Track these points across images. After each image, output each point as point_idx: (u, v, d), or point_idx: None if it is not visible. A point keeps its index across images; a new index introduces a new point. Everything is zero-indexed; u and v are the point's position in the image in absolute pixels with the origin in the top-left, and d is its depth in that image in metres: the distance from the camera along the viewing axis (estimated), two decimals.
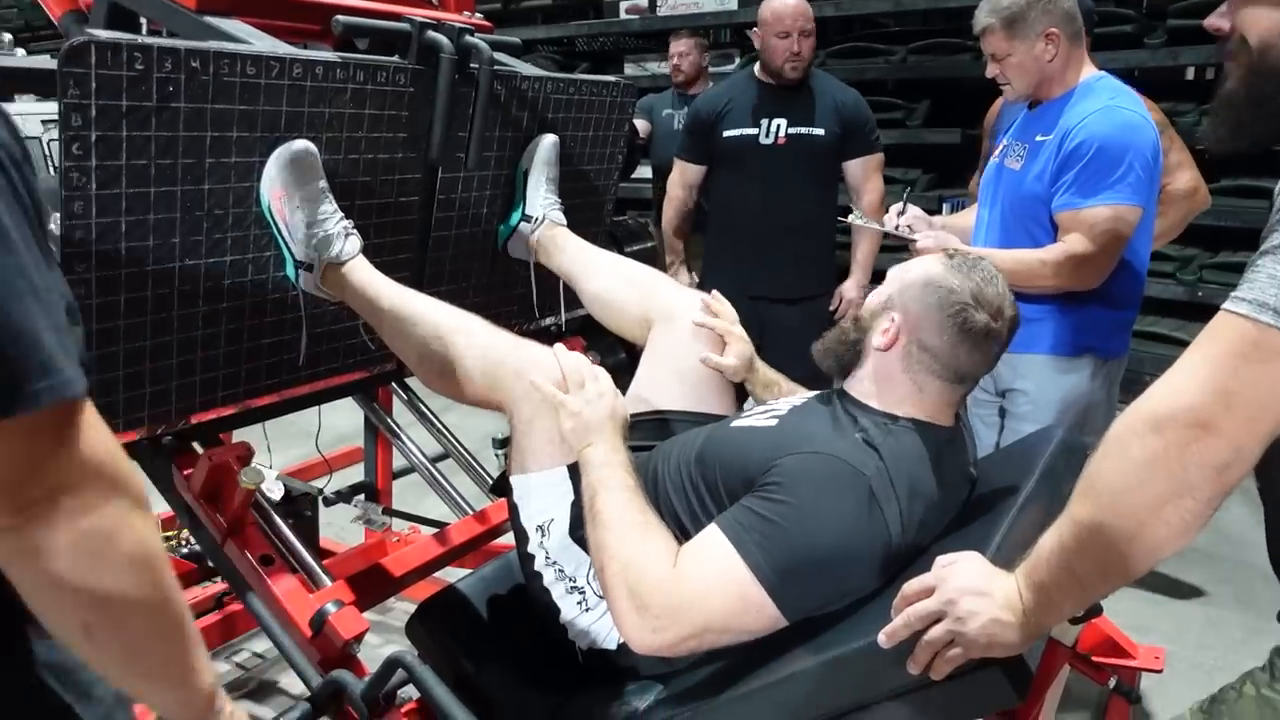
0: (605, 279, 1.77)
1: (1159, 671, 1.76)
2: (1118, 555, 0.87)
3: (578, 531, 1.32)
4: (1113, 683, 1.44)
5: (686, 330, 1.62)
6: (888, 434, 1.24)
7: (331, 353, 1.67)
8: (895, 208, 2.09)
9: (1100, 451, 0.89)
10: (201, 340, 1.45)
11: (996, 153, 2.13)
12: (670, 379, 1.62)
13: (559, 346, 1.39)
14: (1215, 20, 1.03)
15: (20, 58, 2.32)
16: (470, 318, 1.46)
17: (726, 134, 2.86)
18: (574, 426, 1.30)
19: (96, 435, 0.65)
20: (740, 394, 1.69)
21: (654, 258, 3.04)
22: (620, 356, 2.26)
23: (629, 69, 5.53)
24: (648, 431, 1.55)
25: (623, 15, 5.36)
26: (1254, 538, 1.03)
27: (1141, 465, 0.84)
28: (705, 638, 1.17)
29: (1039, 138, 1.96)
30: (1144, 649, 1.79)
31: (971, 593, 0.98)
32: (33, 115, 2.09)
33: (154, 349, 1.40)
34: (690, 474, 1.35)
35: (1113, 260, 1.89)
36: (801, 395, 1.42)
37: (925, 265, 1.30)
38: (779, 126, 2.83)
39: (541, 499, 1.37)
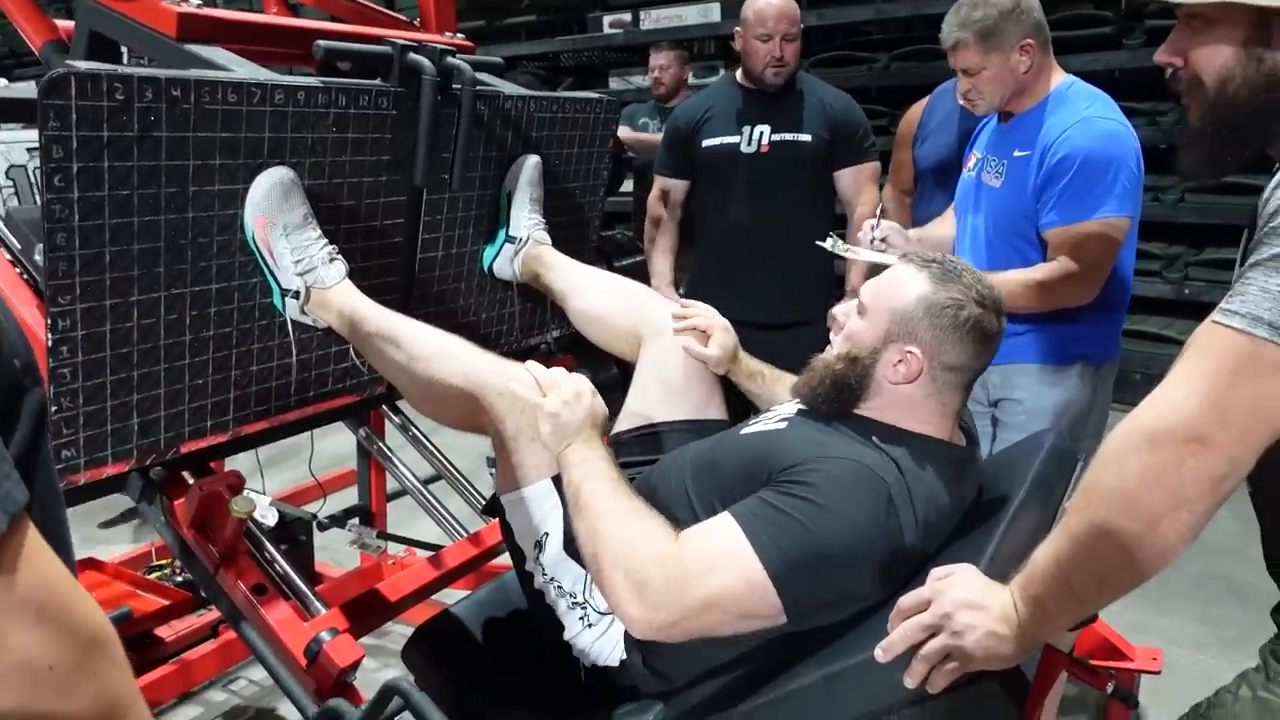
0: (593, 295, 1.77)
1: (1157, 673, 1.76)
2: (1114, 569, 0.88)
3: (571, 546, 1.31)
4: (1110, 688, 1.44)
5: (673, 342, 1.62)
6: (901, 445, 1.23)
7: (321, 378, 1.66)
8: (869, 223, 1.99)
9: (1095, 467, 0.89)
10: (189, 369, 1.45)
11: (970, 165, 2.11)
12: (659, 390, 1.62)
13: (531, 361, 1.39)
14: (1165, 56, 1.04)
15: (4, 87, 2.32)
16: (455, 340, 1.46)
17: (706, 143, 2.66)
18: (552, 429, 1.29)
19: (33, 570, 0.52)
20: (729, 398, 1.67)
21: (644, 272, 3.02)
22: (612, 372, 2.26)
23: (614, 83, 5.55)
24: (642, 446, 1.55)
25: (606, 29, 5.39)
26: (1248, 532, 1.04)
27: (1138, 480, 0.84)
28: (705, 618, 1.14)
29: (1017, 153, 1.93)
30: (1141, 650, 1.79)
31: (967, 606, 0.98)
32: (18, 143, 2.09)
33: (141, 380, 1.39)
34: (701, 480, 1.33)
35: (1106, 273, 1.88)
36: (795, 404, 1.41)
37: (911, 285, 1.27)
38: (762, 134, 2.62)
39: (532, 514, 1.36)
